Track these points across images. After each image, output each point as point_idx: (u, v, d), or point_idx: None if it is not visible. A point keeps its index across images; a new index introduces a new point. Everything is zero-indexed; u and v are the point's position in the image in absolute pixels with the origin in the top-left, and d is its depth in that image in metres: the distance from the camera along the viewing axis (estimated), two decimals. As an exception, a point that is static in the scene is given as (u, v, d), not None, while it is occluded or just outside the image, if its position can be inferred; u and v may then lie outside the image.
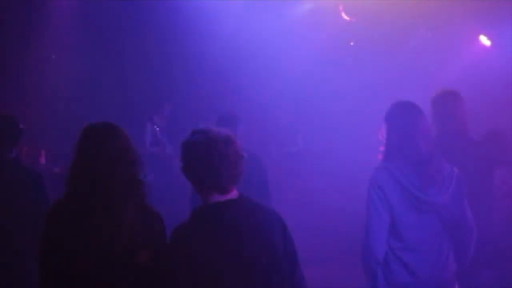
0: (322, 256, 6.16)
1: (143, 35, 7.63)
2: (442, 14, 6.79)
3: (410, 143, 3.10)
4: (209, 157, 2.29)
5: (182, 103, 7.89)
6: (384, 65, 7.16)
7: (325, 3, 7.31)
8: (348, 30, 7.56)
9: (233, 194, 2.36)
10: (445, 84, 4.54)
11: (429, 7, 6.73)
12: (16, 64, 7.07)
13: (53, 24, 7.13)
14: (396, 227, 3.08)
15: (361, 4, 7.06)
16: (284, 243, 2.40)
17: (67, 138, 2.96)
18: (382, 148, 3.28)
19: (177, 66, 7.98)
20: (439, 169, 3.11)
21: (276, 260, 2.34)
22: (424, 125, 3.15)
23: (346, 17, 7.44)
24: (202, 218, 2.33)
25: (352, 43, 7.95)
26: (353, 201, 4.89)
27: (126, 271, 2.44)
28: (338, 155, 7.14)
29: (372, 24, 7.16)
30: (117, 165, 2.48)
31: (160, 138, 7.33)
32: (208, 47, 7.51)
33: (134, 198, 2.50)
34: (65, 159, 2.68)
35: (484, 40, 6.98)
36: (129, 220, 2.45)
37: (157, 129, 7.38)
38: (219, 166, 2.28)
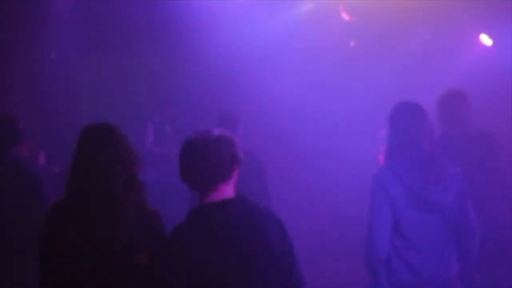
0: (323, 256, 6.15)
1: (143, 36, 7.64)
2: (442, 14, 6.79)
3: (413, 143, 3.11)
4: (188, 156, 2.34)
5: (182, 104, 7.89)
6: (385, 65, 7.15)
7: (325, 3, 7.30)
8: (348, 30, 7.55)
9: (230, 194, 2.36)
10: (446, 84, 4.53)
11: (429, 7, 6.73)
12: (15, 64, 7.06)
13: (53, 23, 7.12)
14: (399, 227, 3.08)
15: (361, 4, 7.05)
16: (281, 243, 2.39)
17: (67, 138, 2.96)
18: (382, 148, 3.29)
19: (177, 66, 7.98)
20: (442, 169, 3.12)
21: (273, 260, 2.34)
22: (427, 125, 3.16)
23: (346, 17, 7.43)
24: (198, 218, 2.33)
25: (352, 43, 7.94)
26: (354, 201, 4.89)
27: (126, 271, 2.44)
28: (339, 155, 7.13)
29: (372, 24, 7.16)
30: (116, 165, 2.48)
31: (166, 138, 7.31)
32: (207, 47, 7.50)
33: (134, 198, 2.50)
34: (64, 159, 2.68)
35: (485, 40, 6.98)
36: (128, 220, 2.45)
37: (167, 128, 7.37)
38: (196, 166, 2.31)
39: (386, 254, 3.08)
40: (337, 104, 7.50)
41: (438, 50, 7.19)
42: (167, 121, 7.48)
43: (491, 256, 3.70)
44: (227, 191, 2.36)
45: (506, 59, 6.42)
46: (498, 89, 6.39)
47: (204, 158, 2.31)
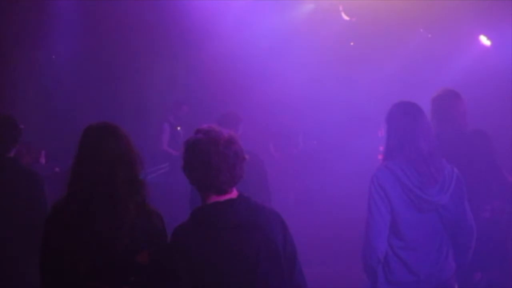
0: (323, 256, 6.16)
1: (143, 36, 7.64)
2: (442, 14, 6.80)
3: (411, 142, 3.11)
4: (207, 157, 2.28)
5: (182, 103, 7.89)
6: (384, 65, 7.17)
7: (325, 3, 7.31)
8: (348, 30, 7.56)
9: (233, 194, 2.36)
10: (445, 84, 4.54)
11: (429, 7, 6.74)
12: (17, 64, 7.06)
13: (54, 23, 7.12)
14: (396, 226, 3.09)
15: (361, 4, 7.06)
16: (284, 243, 2.40)
17: (68, 138, 2.96)
18: (381, 148, 3.29)
19: (177, 67, 7.99)
20: (440, 169, 3.13)
21: (276, 260, 2.34)
22: (425, 125, 3.17)
23: (346, 17, 7.44)
24: (201, 218, 2.33)
25: (352, 43, 7.95)
26: (354, 201, 4.89)
27: (127, 271, 2.44)
28: (338, 155, 7.14)
29: (372, 24, 7.17)
30: (117, 165, 2.48)
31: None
32: (207, 47, 7.51)
33: (135, 198, 2.50)
34: (65, 159, 2.68)
35: (484, 40, 6.99)
36: (130, 220, 2.45)
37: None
38: (217, 166, 2.28)
39: (384, 253, 3.09)
40: (337, 104, 7.51)
41: (438, 50, 7.20)
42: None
43: (489, 255, 3.70)
44: (232, 191, 2.36)
45: (506, 59, 6.43)
46: (498, 89, 6.40)
47: (224, 159, 2.28)
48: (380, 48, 7.30)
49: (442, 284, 3.14)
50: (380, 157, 3.32)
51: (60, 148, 4.78)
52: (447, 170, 3.15)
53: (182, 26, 7.39)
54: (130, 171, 2.51)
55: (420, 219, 3.10)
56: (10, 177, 3.77)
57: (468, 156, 3.75)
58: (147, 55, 7.81)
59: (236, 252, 2.27)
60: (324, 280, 5.33)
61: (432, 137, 3.20)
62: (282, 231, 2.41)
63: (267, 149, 7.21)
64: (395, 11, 6.79)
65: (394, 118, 3.21)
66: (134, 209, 2.47)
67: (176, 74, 8.05)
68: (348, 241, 5.10)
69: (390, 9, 6.77)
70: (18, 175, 3.80)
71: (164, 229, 2.53)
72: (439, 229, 3.14)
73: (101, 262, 2.42)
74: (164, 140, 7.25)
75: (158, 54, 7.90)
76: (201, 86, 8.07)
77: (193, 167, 2.33)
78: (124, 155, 2.51)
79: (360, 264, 3.18)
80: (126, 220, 2.44)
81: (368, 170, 3.26)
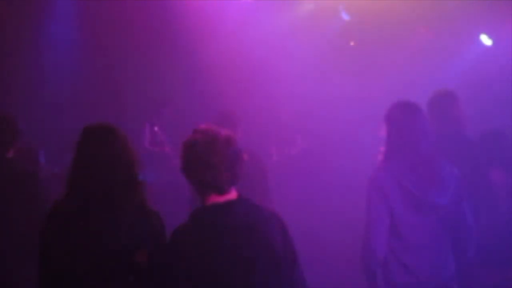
0: (323, 257, 6.14)
1: (143, 35, 7.63)
2: (443, 14, 6.80)
3: (410, 143, 3.10)
4: (207, 156, 2.28)
5: (182, 103, 7.89)
6: (385, 65, 7.16)
7: (325, 3, 7.31)
8: (348, 30, 7.56)
9: (232, 195, 2.36)
10: (446, 84, 4.53)
11: (429, 7, 6.74)
12: (16, 64, 7.06)
13: (53, 23, 7.12)
14: (396, 228, 3.08)
15: (361, 4, 7.06)
16: (283, 244, 2.39)
17: (67, 138, 2.96)
18: (382, 149, 3.28)
19: (176, 66, 7.97)
20: (439, 170, 3.12)
21: (275, 261, 2.34)
22: (424, 125, 3.16)
23: (346, 17, 7.44)
24: (201, 219, 2.32)
25: (352, 43, 7.95)
26: (354, 202, 4.89)
27: (126, 271, 2.45)
28: (338, 155, 7.13)
29: (372, 24, 7.16)
30: (116, 166, 2.49)
31: (159, 138, 7.34)
32: (207, 47, 7.51)
33: (134, 198, 2.50)
34: (65, 159, 2.68)
35: (485, 40, 6.99)
36: (128, 220, 2.45)
37: (156, 128, 7.39)
38: (217, 166, 2.28)
39: (383, 255, 3.08)
40: (336, 103, 7.50)
41: (438, 50, 7.19)
42: (165, 121, 7.50)
43: (492, 256, 3.70)
44: (231, 192, 2.36)
45: (506, 59, 6.43)
46: (498, 88, 6.40)
47: (222, 159, 2.27)
48: (381, 48, 7.29)
49: (442, 285, 3.13)
50: (379, 157, 3.30)
51: (60, 148, 4.77)
52: (447, 171, 3.14)
53: (182, 26, 7.39)
54: (128, 172, 2.52)
55: (420, 220, 3.09)
56: (8, 178, 3.76)
57: (468, 156, 3.75)
58: (146, 55, 7.80)
59: (235, 254, 2.26)
60: (324, 281, 5.32)
61: (432, 138, 3.19)
62: (281, 233, 2.41)
63: (266, 148, 7.20)
64: (396, 10, 6.78)
65: (394, 118, 3.20)
66: (132, 209, 2.48)
67: (175, 74, 8.04)
68: (349, 242, 5.08)
69: (390, 8, 6.77)
70: (17, 176, 3.80)
71: (163, 229, 2.53)
72: (439, 230, 3.13)
73: (100, 262, 2.43)
74: (145, 139, 7.33)
75: (157, 54, 7.89)
76: (199, 85, 8.06)
77: (191, 167, 2.33)
78: (122, 156, 2.52)
79: (360, 265, 3.17)
80: (124, 220, 2.45)
81: (369, 171, 3.24)
